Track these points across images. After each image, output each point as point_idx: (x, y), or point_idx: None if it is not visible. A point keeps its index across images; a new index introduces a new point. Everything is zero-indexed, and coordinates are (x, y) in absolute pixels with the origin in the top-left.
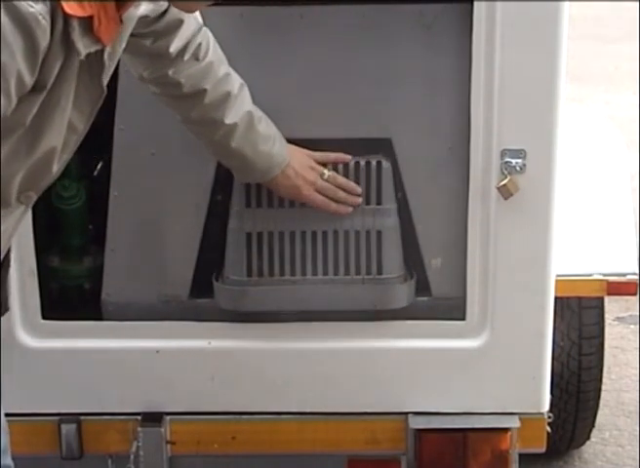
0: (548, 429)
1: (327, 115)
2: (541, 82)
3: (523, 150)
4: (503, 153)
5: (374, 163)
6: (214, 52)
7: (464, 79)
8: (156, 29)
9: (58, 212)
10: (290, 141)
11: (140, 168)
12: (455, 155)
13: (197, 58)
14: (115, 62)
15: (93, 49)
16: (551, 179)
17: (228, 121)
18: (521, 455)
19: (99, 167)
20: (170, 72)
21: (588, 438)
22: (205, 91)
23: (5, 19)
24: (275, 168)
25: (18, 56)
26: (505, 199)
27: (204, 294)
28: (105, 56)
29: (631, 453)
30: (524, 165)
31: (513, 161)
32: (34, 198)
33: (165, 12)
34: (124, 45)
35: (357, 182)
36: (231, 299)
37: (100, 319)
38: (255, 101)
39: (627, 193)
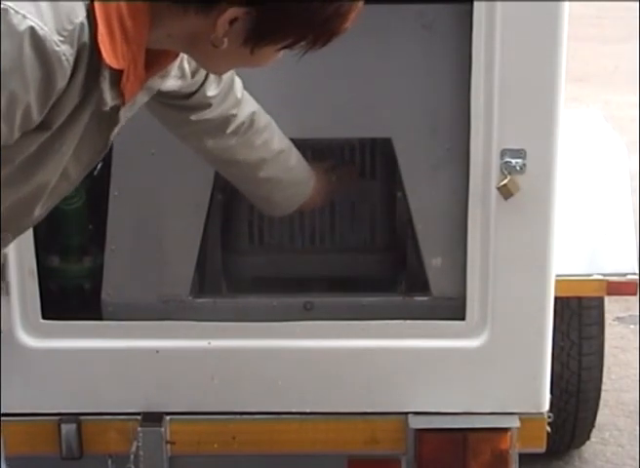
0: (548, 429)
1: (327, 115)
2: (541, 82)
3: (523, 150)
4: (503, 153)
5: (368, 140)
6: (256, 123)
7: (464, 79)
8: (184, 105)
9: (58, 212)
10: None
11: (140, 168)
12: (455, 155)
13: (237, 133)
14: (124, 123)
15: (114, 103)
16: (551, 179)
17: (261, 176)
18: (521, 455)
19: (98, 167)
20: (208, 143)
21: (588, 438)
22: (239, 162)
23: (29, 52)
24: (297, 204)
25: (31, 90)
26: (505, 199)
27: (204, 294)
28: (121, 112)
29: (631, 453)
30: (524, 165)
31: (513, 161)
32: (10, 239)
33: (195, 92)
34: (131, 114)
35: (353, 160)
36: (234, 267)
37: (100, 319)
38: (255, 101)
39: (627, 193)
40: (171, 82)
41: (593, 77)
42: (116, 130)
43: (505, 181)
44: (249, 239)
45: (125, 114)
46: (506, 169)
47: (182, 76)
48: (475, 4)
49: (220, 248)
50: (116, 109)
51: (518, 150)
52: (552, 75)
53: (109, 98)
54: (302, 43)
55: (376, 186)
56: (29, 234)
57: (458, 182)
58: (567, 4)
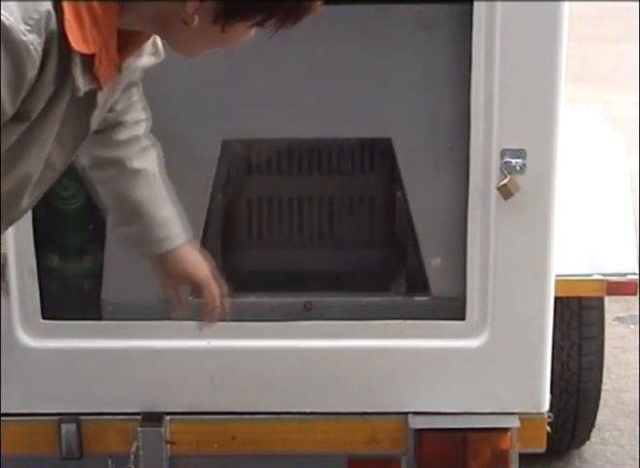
0: (548, 429)
1: (327, 115)
2: (541, 82)
3: (523, 150)
4: (503, 153)
5: (368, 139)
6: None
7: (464, 79)
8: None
9: (58, 212)
10: (290, 141)
11: None
12: (455, 155)
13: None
14: (106, 109)
15: (89, 88)
16: (551, 179)
17: (136, 165)
18: (521, 455)
19: None
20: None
21: (588, 438)
22: (122, 123)
23: None
24: (174, 239)
25: (1, 81)
26: (505, 199)
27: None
28: (99, 96)
29: (631, 453)
30: (524, 165)
31: (513, 161)
32: (2, 230)
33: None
34: (117, 96)
35: (353, 156)
36: (234, 260)
37: (100, 319)
38: (255, 101)
39: (627, 193)
40: (145, 59)
41: (593, 77)
42: (96, 113)
43: (505, 181)
44: (248, 237)
45: (104, 97)
46: (506, 169)
47: (156, 52)
48: (475, 4)
49: (219, 247)
50: (93, 93)
51: (518, 150)
52: (552, 75)
53: (82, 84)
54: (273, 20)
55: (376, 186)
56: (29, 234)
57: (458, 182)
58: (567, 4)
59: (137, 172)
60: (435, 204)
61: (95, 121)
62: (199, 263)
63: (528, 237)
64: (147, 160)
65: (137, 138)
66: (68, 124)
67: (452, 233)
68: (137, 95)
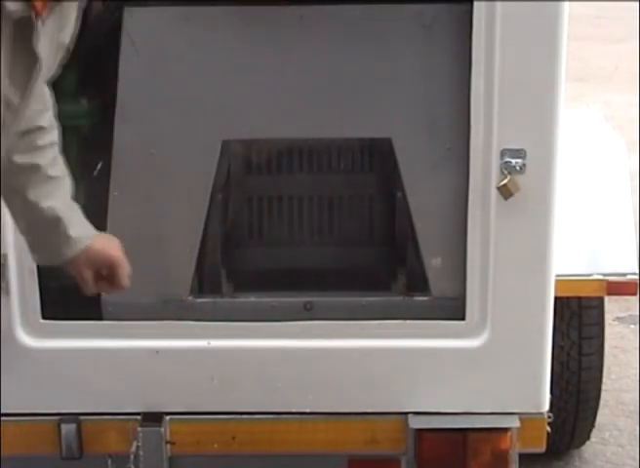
0: (548, 429)
1: (327, 115)
2: (541, 82)
3: (523, 150)
4: (503, 153)
5: (366, 139)
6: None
7: (464, 79)
8: None
9: None
10: (290, 141)
11: (140, 168)
12: (454, 155)
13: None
14: (61, 42)
15: (22, 9)
16: (551, 179)
17: (51, 172)
18: (521, 455)
19: (98, 167)
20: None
21: (588, 438)
22: (41, 128)
23: None
24: (87, 238)
25: None
26: (505, 199)
27: (204, 294)
28: (41, 26)
29: (631, 453)
30: (524, 165)
31: (513, 161)
32: None
33: None
34: (70, 31)
35: (353, 156)
36: (235, 260)
37: (100, 319)
38: (255, 101)
39: (627, 193)
40: None
41: (593, 77)
42: (43, 42)
43: (505, 181)
44: (248, 237)
45: (50, 30)
46: (506, 169)
47: None
48: (475, 4)
49: (219, 247)
50: (30, 20)
51: (518, 150)
52: (552, 75)
53: (12, 6)
54: None
55: (376, 186)
56: None
57: (458, 182)
58: (567, 4)
59: (52, 178)
60: (435, 204)
61: (43, 51)
62: (109, 243)
63: (528, 237)
64: (61, 167)
65: (52, 145)
66: (17, 56)
67: (452, 233)
68: (50, 100)
